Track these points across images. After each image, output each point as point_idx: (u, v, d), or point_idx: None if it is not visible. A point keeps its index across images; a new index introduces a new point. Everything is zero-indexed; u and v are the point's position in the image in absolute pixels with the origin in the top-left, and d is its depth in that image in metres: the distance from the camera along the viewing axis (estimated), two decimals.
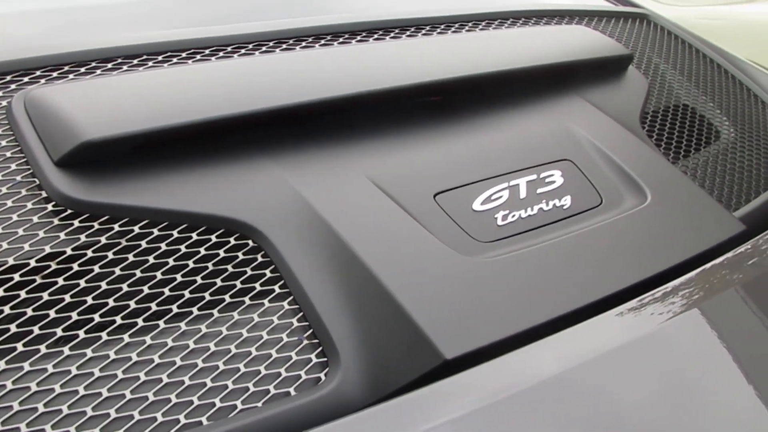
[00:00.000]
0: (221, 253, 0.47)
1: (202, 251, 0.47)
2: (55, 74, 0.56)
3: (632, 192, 0.62)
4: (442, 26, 0.81)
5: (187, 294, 0.45)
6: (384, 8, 0.91)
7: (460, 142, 0.62)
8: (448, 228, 0.52)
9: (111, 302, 0.43)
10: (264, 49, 0.66)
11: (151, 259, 0.46)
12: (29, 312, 0.41)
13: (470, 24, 0.85)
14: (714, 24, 2.81)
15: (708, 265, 0.56)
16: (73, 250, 0.44)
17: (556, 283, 0.50)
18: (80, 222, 0.46)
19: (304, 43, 0.69)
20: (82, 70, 0.58)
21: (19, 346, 0.39)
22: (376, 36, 0.74)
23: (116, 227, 0.46)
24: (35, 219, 0.45)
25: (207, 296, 0.45)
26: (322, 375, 0.44)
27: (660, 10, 3.08)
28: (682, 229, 0.59)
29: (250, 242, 0.49)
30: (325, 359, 0.45)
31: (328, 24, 0.73)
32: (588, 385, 0.44)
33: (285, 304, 0.47)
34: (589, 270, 0.52)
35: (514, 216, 0.56)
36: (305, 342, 0.45)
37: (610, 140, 0.67)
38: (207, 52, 0.64)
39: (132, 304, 0.43)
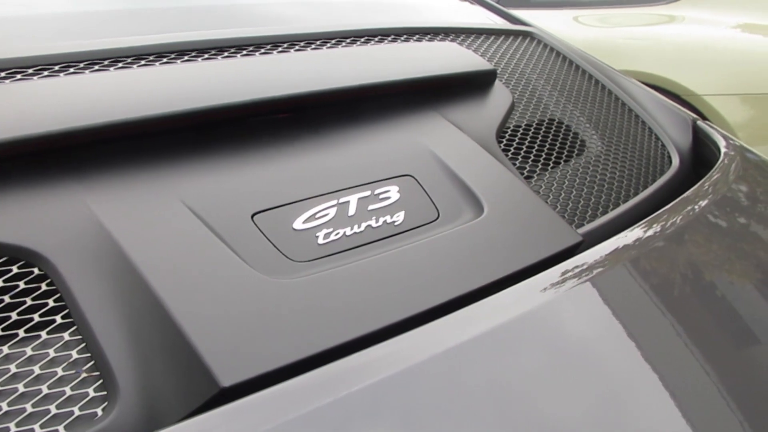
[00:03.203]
0: None
1: None
2: None
3: (471, 206, 0.61)
4: (318, 42, 0.80)
5: None
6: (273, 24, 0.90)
7: (296, 159, 0.60)
8: (262, 249, 0.51)
9: None
10: (97, 67, 0.64)
11: None
12: None
13: (344, 39, 0.84)
14: (638, 44, 2.92)
15: (540, 275, 0.56)
16: None
17: (367, 301, 0.48)
18: None
19: (144, 61, 0.67)
20: None
21: None
22: (226, 53, 0.72)
23: None
24: None
25: None
26: (99, 410, 0.41)
27: (585, 33, 3.18)
28: (516, 241, 0.58)
29: (36, 270, 0.46)
30: (105, 393, 0.42)
31: (179, 41, 0.71)
32: (383, 403, 0.42)
33: (66, 335, 0.44)
34: (406, 285, 0.51)
35: (338, 234, 0.54)
36: (84, 375, 0.42)
37: (458, 156, 0.67)
38: (30, 71, 0.61)
39: None
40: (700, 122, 1.01)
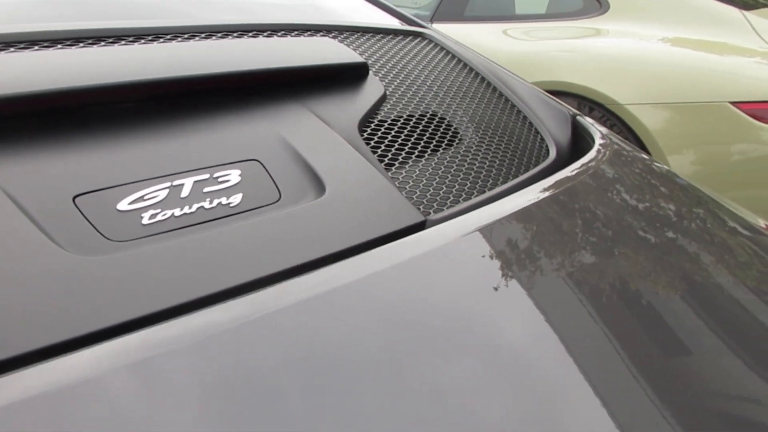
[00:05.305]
0: None
1: None
2: None
3: (315, 189, 0.62)
4: (187, 35, 0.80)
5: None
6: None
7: (133, 145, 0.60)
8: (79, 229, 0.50)
9: None
10: None
11: None
12: None
13: (215, 34, 0.84)
14: (564, 56, 3.02)
15: (374, 250, 0.57)
16: None
17: (178, 276, 0.48)
18: None
19: (13, 49, 0.66)
20: None
21: None
22: (82, 45, 0.72)
23: None
24: None
25: None
26: None
27: (512, 45, 3.25)
28: (354, 220, 0.59)
29: None
30: None
31: (34, 30, 0.70)
32: (162, 379, 0.41)
33: None
34: (227, 261, 0.51)
35: (165, 215, 0.54)
36: None
37: (311, 143, 0.67)
38: None
39: None
40: (579, 117, 1.05)
